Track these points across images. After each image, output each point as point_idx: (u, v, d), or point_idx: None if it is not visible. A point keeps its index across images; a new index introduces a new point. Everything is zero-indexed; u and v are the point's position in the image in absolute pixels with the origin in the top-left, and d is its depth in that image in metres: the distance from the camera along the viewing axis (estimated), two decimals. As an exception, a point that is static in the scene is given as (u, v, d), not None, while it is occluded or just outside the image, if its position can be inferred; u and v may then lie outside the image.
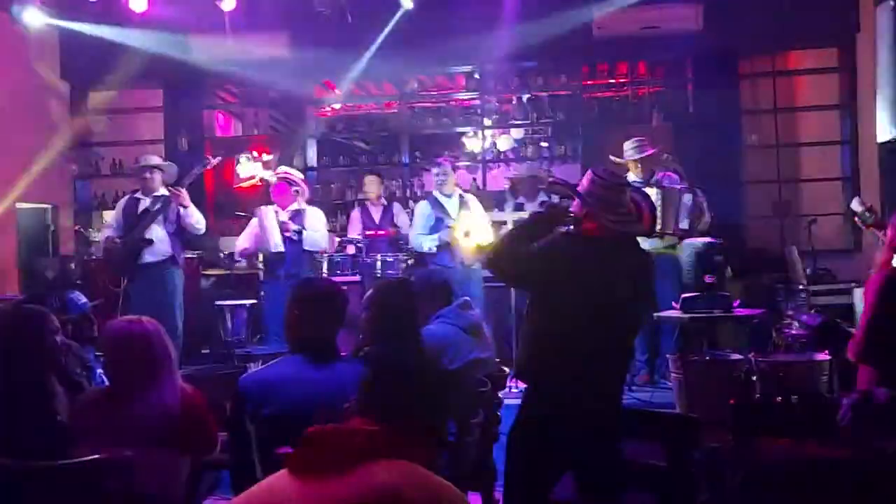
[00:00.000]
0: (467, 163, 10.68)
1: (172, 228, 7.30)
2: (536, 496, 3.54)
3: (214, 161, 7.59)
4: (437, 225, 7.63)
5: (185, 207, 7.25)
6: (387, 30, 8.95)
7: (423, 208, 7.87)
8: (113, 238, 7.35)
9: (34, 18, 8.68)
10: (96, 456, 2.95)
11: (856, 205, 5.42)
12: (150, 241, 7.20)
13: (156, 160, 7.59)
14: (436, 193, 7.87)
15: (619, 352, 3.62)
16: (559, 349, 3.47)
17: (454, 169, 8.04)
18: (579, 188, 3.64)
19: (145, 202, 7.38)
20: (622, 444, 3.56)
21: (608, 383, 3.56)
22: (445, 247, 7.55)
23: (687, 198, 7.09)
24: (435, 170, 8.03)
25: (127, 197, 7.67)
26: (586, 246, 3.54)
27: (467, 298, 4.70)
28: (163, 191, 7.38)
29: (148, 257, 7.22)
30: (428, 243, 7.65)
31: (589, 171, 3.65)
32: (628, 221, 3.54)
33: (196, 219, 7.35)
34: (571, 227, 3.64)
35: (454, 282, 7.40)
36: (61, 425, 3.29)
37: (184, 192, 7.23)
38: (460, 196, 7.82)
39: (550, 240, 3.60)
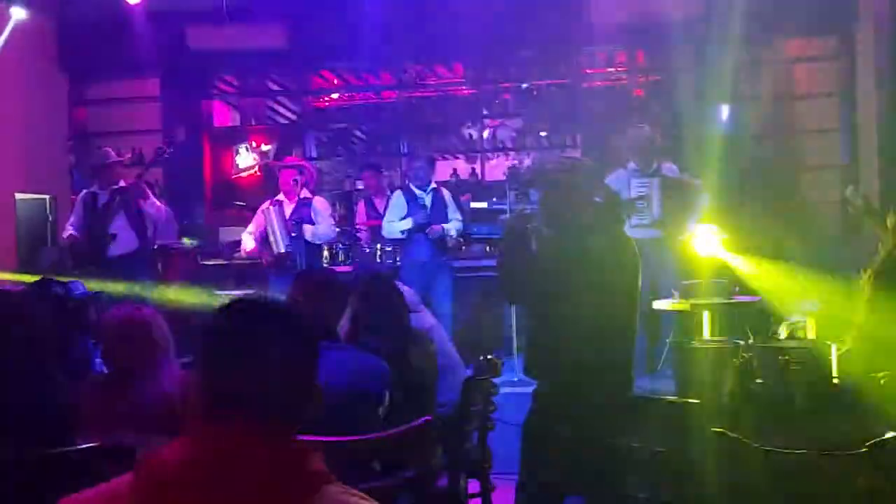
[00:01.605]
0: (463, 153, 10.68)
1: (135, 220, 7.32)
2: (552, 491, 3.58)
3: (169, 151, 7.59)
4: (411, 213, 7.71)
5: (144, 200, 7.26)
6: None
7: (396, 198, 7.92)
8: (75, 236, 7.34)
9: (18, 14, 8.65)
10: (95, 444, 2.95)
11: (850, 193, 5.43)
12: (114, 236, 7.21)
13: (112, 155, 7.59)
14: (411, 186, 7.94)
15: (623, 334, 3.64)
16: (566, 341, 3.50)
17: (431, 161, 8.11)
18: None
19: (103, 196, 7.36)
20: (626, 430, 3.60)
21: (615, 369, 3.59)
22: (419, 238, 7.62)
23: (704, 198, 7.10)
24: (415, 163, 8.13)
25: (84, 192, 7.59)
26: (567, 233, 3.63)
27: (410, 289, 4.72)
28: (122, 184, 7.39)
29: (114, 251, 7.23)
30: (401, 226, 7.73)
31: (560, 161, 3.83)
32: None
33: (155, 210, 7.38)
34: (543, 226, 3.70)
35: (426, 273, 7.52)
36: (61, 413, 3.29)
37: (143, 186, 7.27)
38: (434, 189, 7.89)
39: (538, 247, 3.68)
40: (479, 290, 7.79)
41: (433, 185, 7.97)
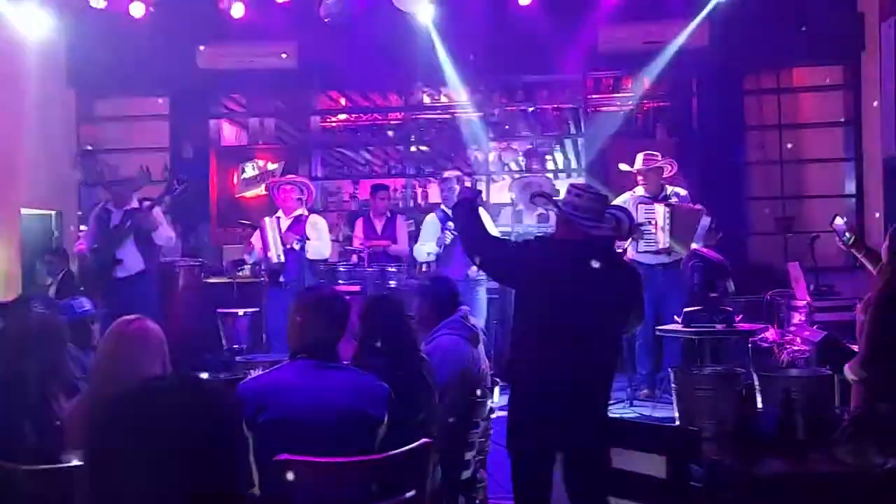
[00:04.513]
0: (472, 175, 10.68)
1: (144, 244, 7.36)
2: (538, 495, 3.62)
3: (181, 187, 7.61)
4: (441, 236, 7.70)
5: (154, 229, 7.33)
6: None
7: (429, 220, 7.95)
8: (86, 253, 7.40)
9: (40, 26, 8.69)
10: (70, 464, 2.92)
11: (837, 225, 5.43)
12: (120, 261, 7.25)
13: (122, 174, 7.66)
14: (443, 206, 7.88)
15: (599, 352, 3.70)
16: (535, 350, 3.62)
17: (461, 182, 8.04)
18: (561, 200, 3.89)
19: (116, 216, 7.40)
20: (610, 450, 3.61)
21: (587, 384, 3.65)
22: (449, 258, 7.60)
23: (705, 220, 7.14)
24: (442, 184, 8.05)
25: (99, 208, 7.64)
26: (561, 248, 3.77)
27: (468, 308, 4.71)
28: (134, 203, 7.43)
29: (120, 273, 7.28)
30: (427, 249, 7.76)
31: (569, 185, 3.92)
32: (604, 227, 3.76)
33: (165, 237, 7.47)
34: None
35: (459, 293, 7.51)
36: (59, 429, 3.28)
37: (154, 214, 7.31)
38: None
39: (525, 240, 3.87)
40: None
41: None
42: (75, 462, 2.89)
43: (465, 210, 4.02)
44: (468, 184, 4.47)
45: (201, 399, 1.33)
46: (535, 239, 4.14)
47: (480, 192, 4.27)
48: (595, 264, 3.66)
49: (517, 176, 10.49)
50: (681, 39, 8.94)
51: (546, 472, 3.68)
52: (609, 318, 3.72)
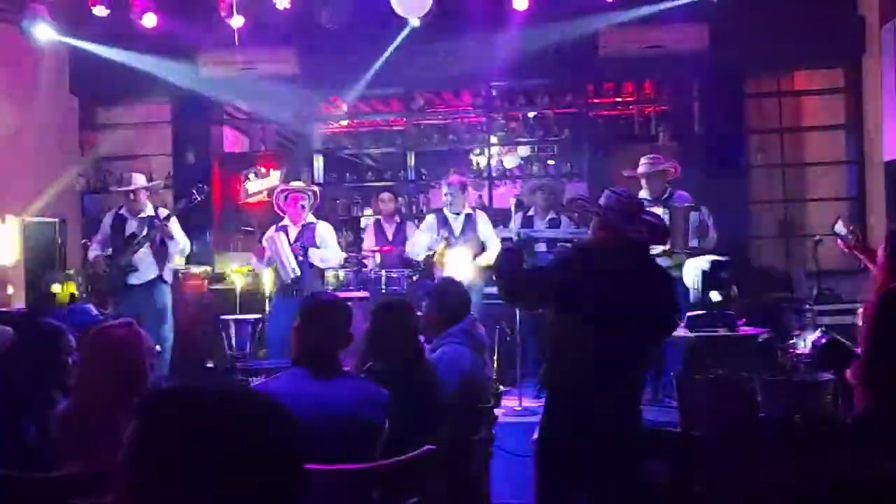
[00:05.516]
0: (473, 179, 10.69)
1: (158, 252, 7.42)
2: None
3: (199, 196, 7.58)
4: (436, 238, 7.77)
5: (170, 238, 7.39)
6: (392, 46, 8.97)
7: (428, 221, 8.02)
8: (101, 258, 7.45)
9: (43, 33, 8.70)
10: (60, 472, 2.91)
11: (839, 227, 5.41)
12: (136, 269, 7.33)
13: (140, 180, 7.64)
14: (445, 210, 7.92)
15: (637, 359, 3.67)
16: (576, 357, 3.56)
17: (464, 187, 8.05)
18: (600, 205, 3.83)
19: (132, 224, 7.45)
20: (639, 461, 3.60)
21: (625, 391, 3.62)
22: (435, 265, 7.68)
23: (693, 216, 7.12)
24: (444, 188, 8.06)
25: (113, 214, 7.71)
26: (598, 255, 3.71)
27: (475, 315, 4.71)
28: (149, 210, 7.45)
29: (135, 279, 7.35)
30: (421, 253, 7.91)
31: (606, 190, 3.85)
32: (643, 231, 3.70)
33: (182, 246, 7.55)
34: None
35: (469, 299, 7.48)
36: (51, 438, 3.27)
37: (170, 225, 7.35)
38: (467, 214, 7.87)
39: (561, 254, 3.77)
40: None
41: (467, 210, 7.95)
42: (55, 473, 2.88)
43: (511, 258, 3.91)
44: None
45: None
46: (574, 250, 4.05)
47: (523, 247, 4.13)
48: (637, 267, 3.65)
49: (520, 181, 10.51)
50: (682, 43, 8.92)
51: (574, 484, 3.64)
52: (649, 320, 3.69)
